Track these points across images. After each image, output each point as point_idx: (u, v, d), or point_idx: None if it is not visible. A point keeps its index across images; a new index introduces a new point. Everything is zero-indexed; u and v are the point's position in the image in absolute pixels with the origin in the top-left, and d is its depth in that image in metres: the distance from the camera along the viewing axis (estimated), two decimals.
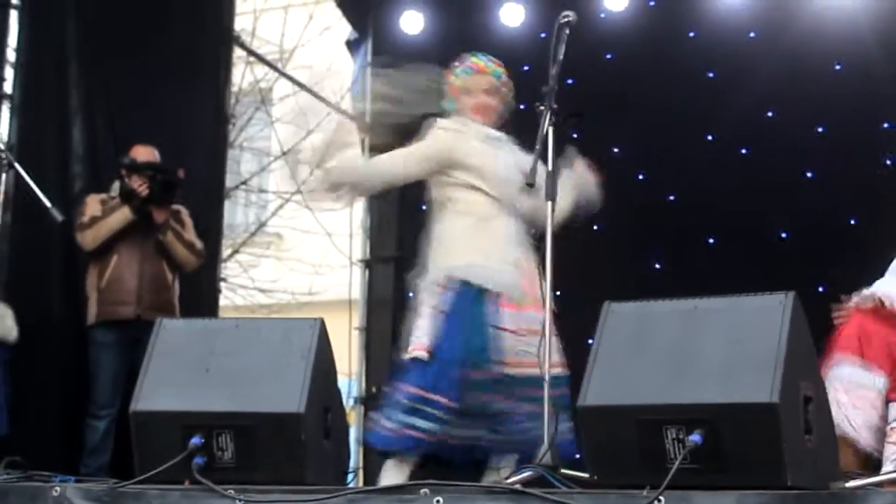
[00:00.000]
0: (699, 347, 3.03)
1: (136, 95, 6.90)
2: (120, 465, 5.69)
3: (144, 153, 6.28)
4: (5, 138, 6.04)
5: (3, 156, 5.09)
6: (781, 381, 2.89)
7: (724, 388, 2.92)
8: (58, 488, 3.40)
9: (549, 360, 3.94)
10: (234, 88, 9.34)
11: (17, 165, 5.03)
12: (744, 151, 7.80)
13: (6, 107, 6.36)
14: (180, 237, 6.25)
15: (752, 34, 7.83)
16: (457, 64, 5.11)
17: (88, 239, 6.12)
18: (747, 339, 2.98)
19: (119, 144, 6.37)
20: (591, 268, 7.13)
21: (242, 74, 12.27)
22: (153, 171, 6.13)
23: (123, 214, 6.12)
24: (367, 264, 8.75)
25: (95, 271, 6.18)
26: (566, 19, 4.27)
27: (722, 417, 2.89)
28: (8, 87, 6.39)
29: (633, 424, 3.00)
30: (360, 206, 8.52)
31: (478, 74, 5.06)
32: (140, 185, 6.10)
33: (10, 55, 6.43)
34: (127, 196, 6.12)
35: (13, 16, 6.41)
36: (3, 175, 5.10)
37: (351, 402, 8.10)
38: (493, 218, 4.73)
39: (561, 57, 4.22)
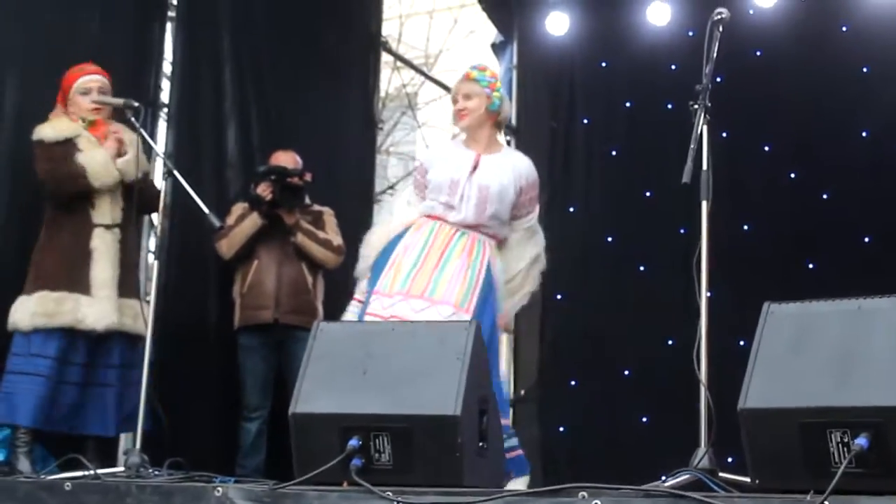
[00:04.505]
0: (865, 349, 2.95)
1: (288, 102, 7.03)
2: (274, 465, 5.80)
3: (283, 158, 6.37)
4: (163, 147, 6.20)
5: (164, 164, 5.22)
6: None
7: (892, 390, 2.84)
8: (220, 488, 3.46)
9: (703, 360, 3.91)
10: (381, 94, 9.42)
11: (175, 173, 5.15)
12: None
13: (163, 117, 6.52)
14: (313, 236, 6.30)
15: None
16: None
17: (224, 247, 6.26)
18: None
19: (273, 150, 6.48)
20: (742, 268, 7.04)
21: (389, 79, 12.38)
22: (277, 176, 6.22)
23: (253, 221, 6.23)
24: None
25: (240, 276, 6.30)
26: (719, 17, 4.22)
27: (890, 420, 2.81)
28: (164, 98, 6.55)
29: (796, 427, 2.94)
30: None
31: (462, 82, 5.25)
32: (264, 191, 6.21)
33: (167, 67, 6.59)
34: (254, 202, 6.24)
35: (168, 28, 6.57)
36: (163, 183, 5.23)
37: None
38: None
39: (714, 55, 4.17)
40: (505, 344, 8.41)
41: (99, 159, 5.30)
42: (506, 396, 4.99)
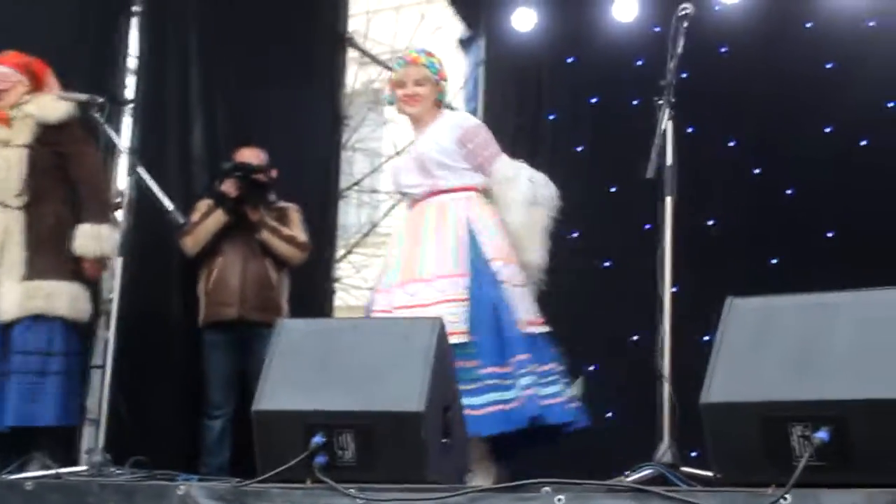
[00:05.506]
0: (826, 342, 2.96)
1: (253, 98, 7.01)
2: (238, 464, 5.78)
3: (249, 155, 6.36)
4: (127, 143, 6.16)
5: (128, 161, 5.18)
6: None
7: (852, 383, 2.85)
8: (182, 487, 3.44)
9: (667, 355, 3.93)
10: (347, 90, 9.40)
11: (139, 169, 5.11)
12: (864, 143, 7.63)
13: (128, 112, 6.48)
14: (278, 233, 6.29)
15: (870, 23, 7.65)
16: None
17: (189, 244, 6.25)
18: (876, 334, 2.91)
19: (238, 146, 6.45)
20: (706, 264, 7.05)
21: (355, 75, 12.33)
22: (242, 172, 6.21)
23: (217, 217, 6.22)
24: None
25: (204, 273, 6.29)
26: (684, 12, 4.24)
27: (850, 414, 2.82)
28: (129, 94, 6.51)
29: (758, 421, 2.95)
30: None
31: (410, 66, 5.10)
32: (229, 187, 6.19)
33: (132, 62, 6.56)
34: (219, 199, 6.22)
35: (133, 23, 6.54)
36: (127, 179, 5.19)
37: None
38: None
39: (679, 50, 4.18)
40: None
41: None
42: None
